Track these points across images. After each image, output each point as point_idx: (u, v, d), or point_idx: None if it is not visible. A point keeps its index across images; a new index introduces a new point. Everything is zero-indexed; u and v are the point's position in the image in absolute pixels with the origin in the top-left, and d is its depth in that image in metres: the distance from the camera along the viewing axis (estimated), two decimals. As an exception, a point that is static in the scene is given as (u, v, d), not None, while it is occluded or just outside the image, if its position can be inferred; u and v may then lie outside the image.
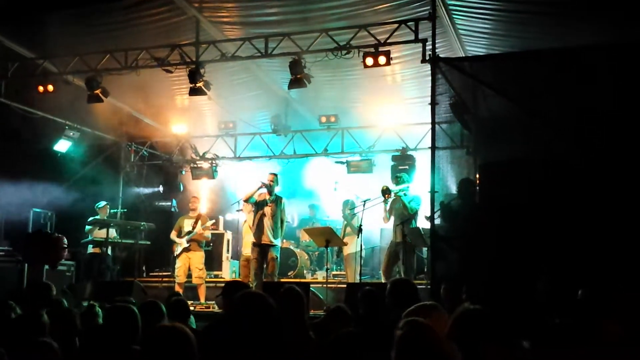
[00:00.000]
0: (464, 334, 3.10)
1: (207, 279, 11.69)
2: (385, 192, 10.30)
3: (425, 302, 3.56)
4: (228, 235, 13.71)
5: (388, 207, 10.38)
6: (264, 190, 10.67)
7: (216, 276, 12.76)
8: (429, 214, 8.62)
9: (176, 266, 11.40)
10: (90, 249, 12.04)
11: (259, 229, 10.52)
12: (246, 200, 10.88)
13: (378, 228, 12.45)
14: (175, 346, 2.75)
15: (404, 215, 10.16)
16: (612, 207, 6.38)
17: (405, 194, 10.33)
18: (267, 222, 10.52)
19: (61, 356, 3.83)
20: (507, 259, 6.44)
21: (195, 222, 11.55)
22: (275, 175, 10.90)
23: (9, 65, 11.26)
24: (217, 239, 13.28)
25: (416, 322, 3.10)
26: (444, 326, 3.25)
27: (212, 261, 13.00)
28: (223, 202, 14.75)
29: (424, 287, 8.46)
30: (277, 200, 10.70)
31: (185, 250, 11.36)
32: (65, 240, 11.02)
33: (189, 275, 11.40)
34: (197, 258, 11.38)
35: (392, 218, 10.42)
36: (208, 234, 11.84)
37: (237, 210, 12.78)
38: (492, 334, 3.09)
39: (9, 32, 10.64)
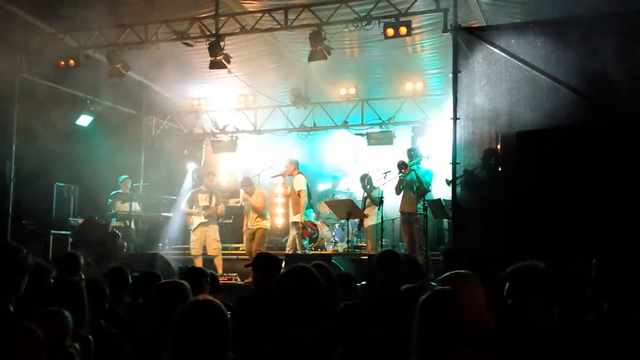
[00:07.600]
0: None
1: (227, 252, 11.82)
2: (402, 166, 10.31)
3: (459, 271, 3.43)
4: (249, 208, 13.74)
5: (400, 180, 10.44)
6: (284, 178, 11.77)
7: (236, 248, 12.86)
8: (449, 179, 8.65)
9: (192, 239, 11.51)
10: (114, 223, 12.20)
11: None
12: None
13: (398, 200, 12.43)
14: (210, 320, 2.69)
15: (420, 190, 10.15)
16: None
17: (418, 167, 10.34)
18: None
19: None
20: (540, 231, 6.39)
21: (210, 198, 11.61)
22: (292, 163, 11.53)
23: (31, 40, 11.30)
24: (239, 211, 13.33)
25: (442, 290, 3.10)
26: (479, 295, 3.23)
27: (233, 233, 13.10)
28: (244, 175, 14.78)
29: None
30: (294, 181, 11.44)
31: (203, 224, 11.46)
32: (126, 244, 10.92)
33: (204, 248, 11.49)
34: (213, 231, 11.53)
35: (403, 190, 10.48)
36: (222, 208, 11.89)
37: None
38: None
39: (29, 7, 10.66)
